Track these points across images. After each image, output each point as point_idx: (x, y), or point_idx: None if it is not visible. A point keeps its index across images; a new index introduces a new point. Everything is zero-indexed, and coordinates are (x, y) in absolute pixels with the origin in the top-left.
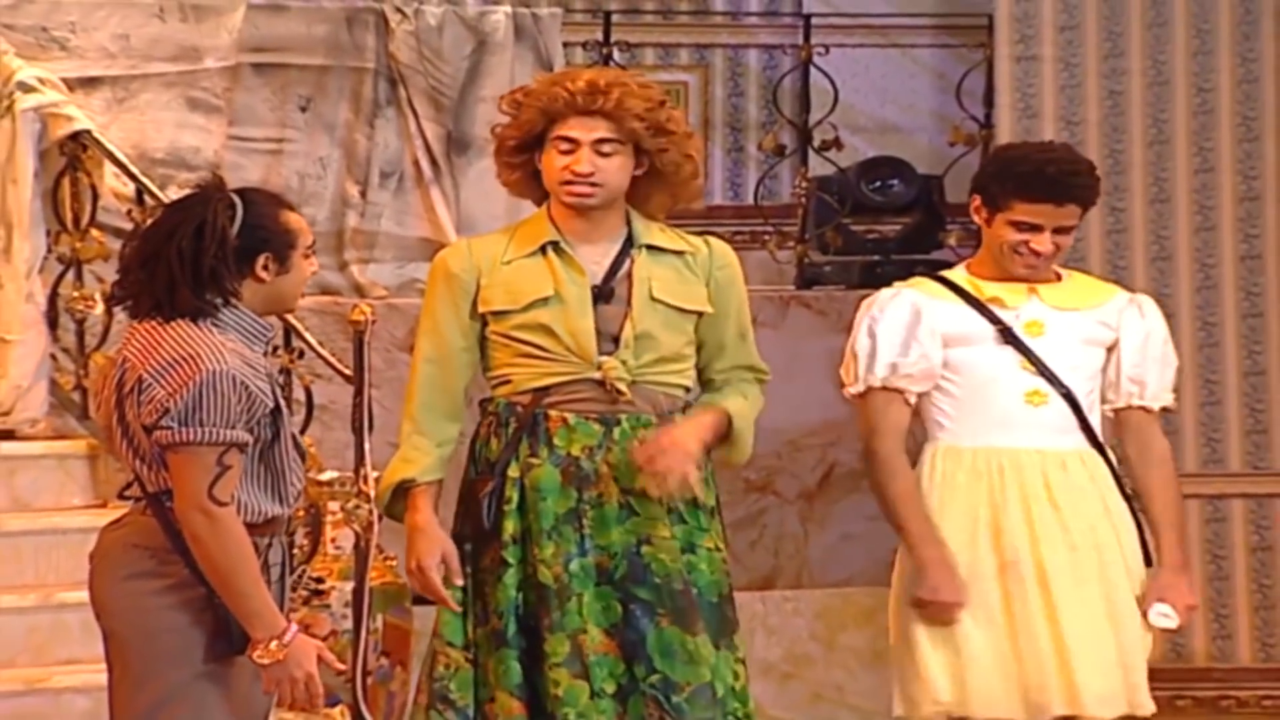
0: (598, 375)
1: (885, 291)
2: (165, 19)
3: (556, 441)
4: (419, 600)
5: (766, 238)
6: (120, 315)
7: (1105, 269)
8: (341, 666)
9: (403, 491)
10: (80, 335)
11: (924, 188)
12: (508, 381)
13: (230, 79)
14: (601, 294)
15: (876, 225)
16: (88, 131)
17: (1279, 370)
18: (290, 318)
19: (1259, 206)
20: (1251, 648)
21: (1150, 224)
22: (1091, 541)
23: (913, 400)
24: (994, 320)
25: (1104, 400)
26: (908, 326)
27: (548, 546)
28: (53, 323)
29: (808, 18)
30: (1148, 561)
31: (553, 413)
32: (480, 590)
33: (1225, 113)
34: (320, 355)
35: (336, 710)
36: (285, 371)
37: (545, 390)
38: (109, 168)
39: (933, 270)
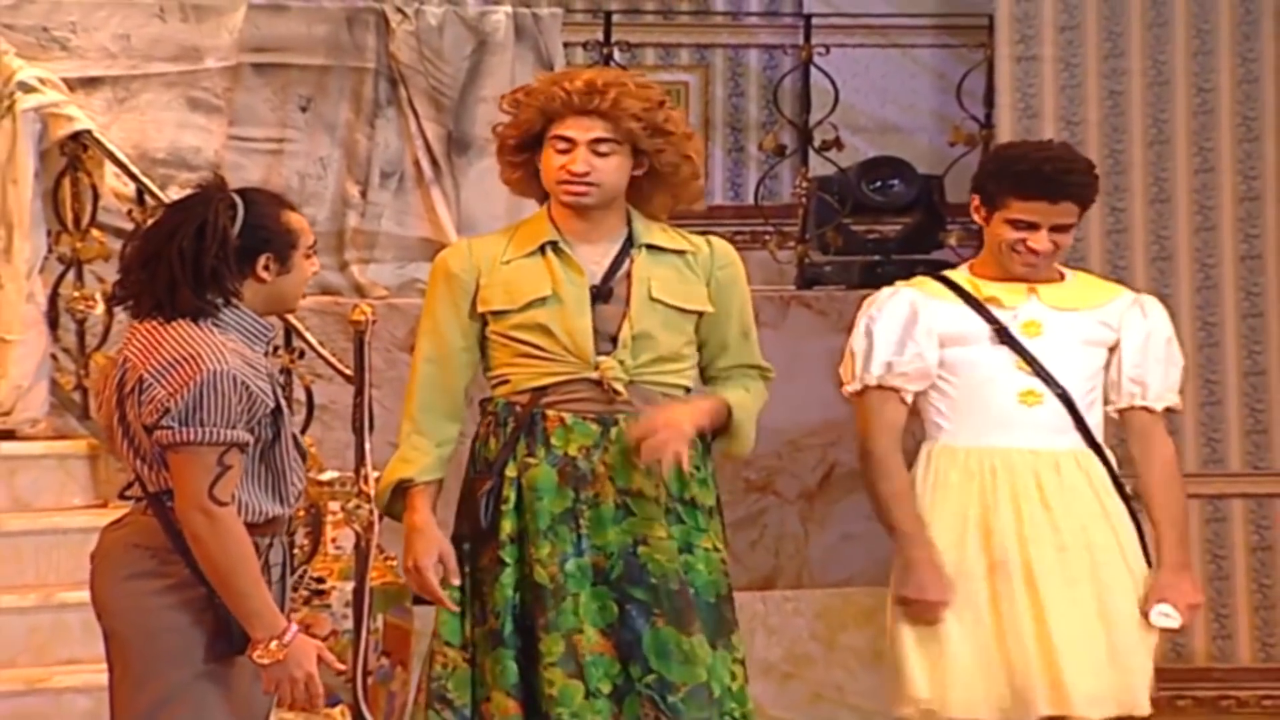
0: (595, 375)
1: (885, 290)
2: (166, 19)
3: (554, 441)
4: (419, 600)
5: (767, 238)
6: (121, 315)
7: (1105, 269)
8: (342, 666)
9: (401, 491)
10: (81, 335)
11: (924, 188)
12: (506, 381)
13: (231, 79)
14: (600, 294)
15: (877, 225)
16: (88, 131)
17: (1279, 370)
18: (291, 318)
19: (1259, 206)
20: (1251, 648)
21: (1150, 224)
22: (1083, 542)
23: (909, 399)
24: (990, 320)
25: (1107, 401)
26: (904, 325)
27: (544, 546)
28: (53, 323)
29: (808, 18)
30: (1150, 562)
31: (550, 412)
32: (478, 590)
33: (1225, 113)
34: (321, 355)
35: (337, 710)
36: (286, 371)
37: (543, 390)
38: (109, 168)
39: (933, 270)
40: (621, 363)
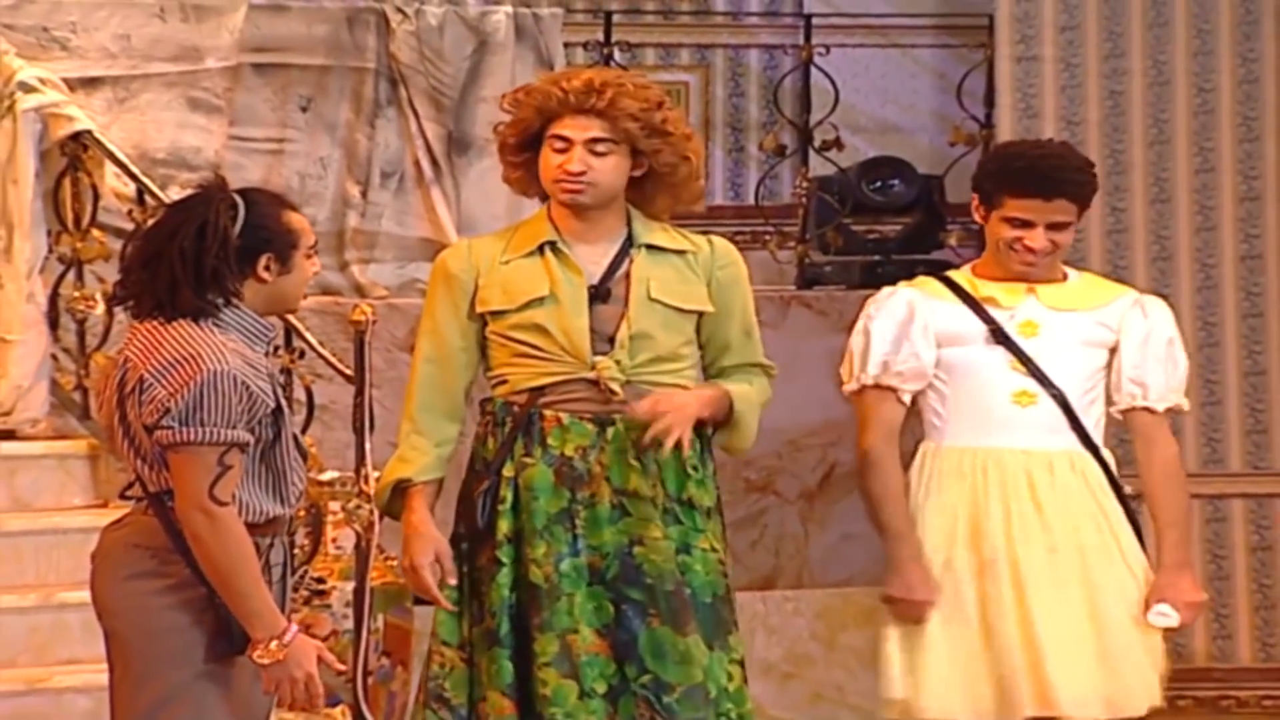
0: (592, 375)
1: (886, 290)
2: (166, 19)
3: (550, 441)
4: (420, 600)
5: (767, 238)
6: (121, 315)
7: (1106, 269)
8: (342, 667)
9: (400, 491)
10: (81, 335)
11: (924, 188)
12: (505, 381)
13: (231, 79)
14: (598, 294)
15: (877, 225)
16: (89, 132)
17: (1279, 370)
18: (291, 318)
19: (1259, 206)
20: (1251, 648)
21: (1151, 224)
22: (1074, 543)
23: (906, 399)
24: (987, 320)
25: (1110, 402)
26: (901, 325)
27: (539, 546)
28: (54, 323)
29: (808, 18)
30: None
31: (548, 412)
32: (476, 589)
33: (1226, 113)
34: (321, 355)
35: (337, 710)
36: (286, 371)
37: (541, 390)
38: (110, 168)
39: (934, 270)
40: (618, 363)
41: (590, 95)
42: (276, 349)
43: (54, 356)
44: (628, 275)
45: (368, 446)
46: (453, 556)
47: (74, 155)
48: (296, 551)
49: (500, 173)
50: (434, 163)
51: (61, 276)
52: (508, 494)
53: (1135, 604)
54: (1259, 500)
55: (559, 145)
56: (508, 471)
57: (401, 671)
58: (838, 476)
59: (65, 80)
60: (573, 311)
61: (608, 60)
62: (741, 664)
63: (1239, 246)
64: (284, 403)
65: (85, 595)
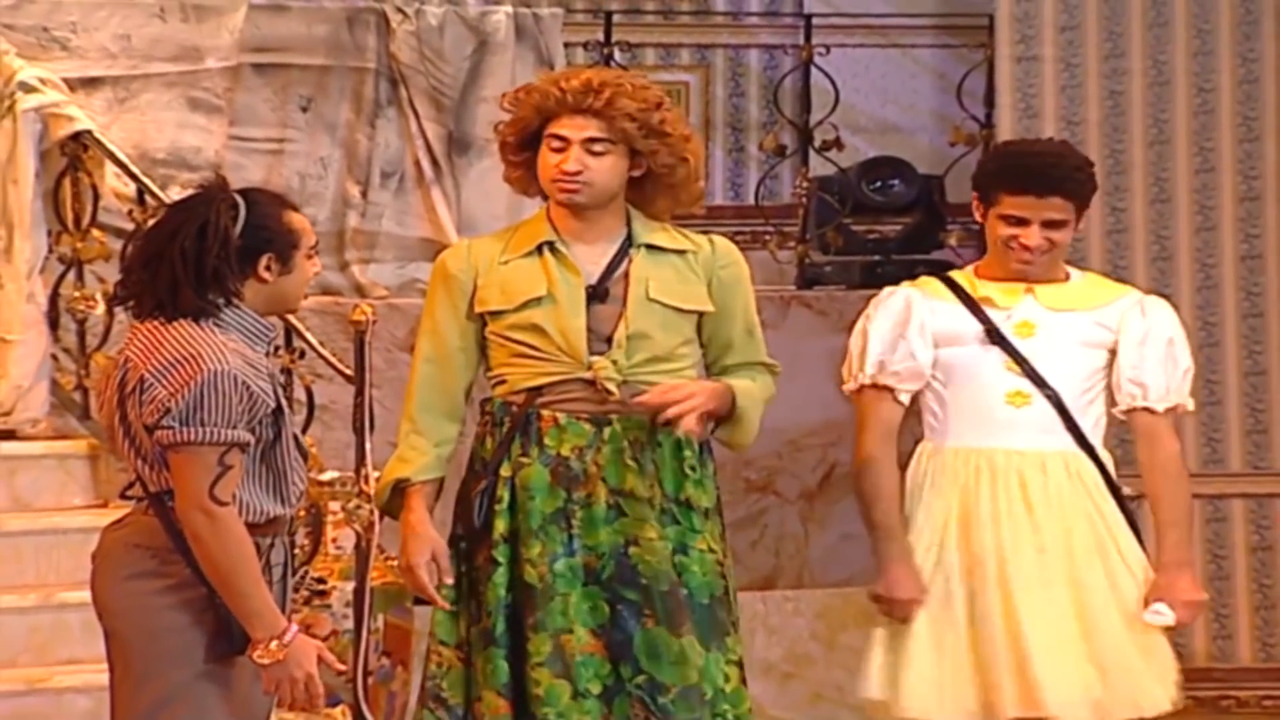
0: (589, 375)
1: (887, 290)
2: (166, 19)
3: (547, 441)
4: (420, 600)
5: (767, 238)
6: (121, 315)
7: (1105, 269)
8: (342, 667)
9: (400, 491)
10: (81, 335)
11: (925, 188)
12: (504, 381)
13: (231, 79)
14: (596, 294)
15: (877, 225)
16: (89, 132)
17: (1279, 370)
18: (292, 318)
19: (1259, 206)
20: (1251, 648)
21: (1151, 224)
22: (1064, 544)
23: (904, 399)
24: (983, 320)
25: (1112, 403)
26: (897, 325)
27: (534, 546)
28: (54, 323)
29: (808, 18)
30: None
31: (545, 412)
32: (473, 589)
33: (1226, 113)
34: (321, 355)
35: (337, 710)
36: (287, 371)
37: (538, 390)
38: (110, 168)
39: (934, 271)
40: (615, 363)
41: (588, 95)
42: (277, 349)
43: (54, 356)
44: (626, 275)
45: (368, 446)
46: (450, 556)
47: (74, 155)
48: (297, 551)
49: (501, 172)
50: (434, 163)
51: (62, 276)
52: (504, 494)
53: (1132, 605)
54: (1259, 500)
55: (556, 145)
56: (505, 471)
57: (401, 671)
58: (838, 476)
59: (65, 80)
60: (570, 311)
61: (608, 60)
62: (740, 665)
63: (1239, 246)
64: (284, 403)
65: (85, 595)
